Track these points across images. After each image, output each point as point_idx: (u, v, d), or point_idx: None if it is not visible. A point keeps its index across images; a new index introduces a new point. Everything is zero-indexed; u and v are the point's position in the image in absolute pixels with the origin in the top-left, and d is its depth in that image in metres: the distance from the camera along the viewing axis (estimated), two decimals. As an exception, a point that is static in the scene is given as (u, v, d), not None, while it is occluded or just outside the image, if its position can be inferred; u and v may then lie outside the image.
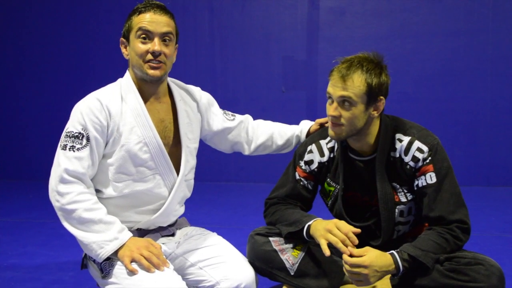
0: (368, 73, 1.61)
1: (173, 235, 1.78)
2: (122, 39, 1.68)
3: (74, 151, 1.55)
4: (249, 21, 4.82)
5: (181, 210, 1.84)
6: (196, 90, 1.87)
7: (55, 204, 1.56)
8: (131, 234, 1.58)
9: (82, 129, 1.57)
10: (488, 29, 4.36)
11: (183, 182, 1.75)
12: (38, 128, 5.25)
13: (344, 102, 1.61)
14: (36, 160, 5.26)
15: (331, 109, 1.64)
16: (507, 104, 4.37)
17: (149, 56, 1.61)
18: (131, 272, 1.50)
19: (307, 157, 1.84)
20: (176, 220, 1.84)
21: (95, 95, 1.63)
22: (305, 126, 2.07)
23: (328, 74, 1.69)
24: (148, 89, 1.68)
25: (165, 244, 1.72)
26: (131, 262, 1.52)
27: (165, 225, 1.76)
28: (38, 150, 5.27)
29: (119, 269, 1.54)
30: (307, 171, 1.84)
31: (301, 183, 1.85)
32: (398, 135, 1.71)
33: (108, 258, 1.56)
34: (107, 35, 4.85)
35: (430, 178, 1.66)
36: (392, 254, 1.57)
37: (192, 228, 1.86)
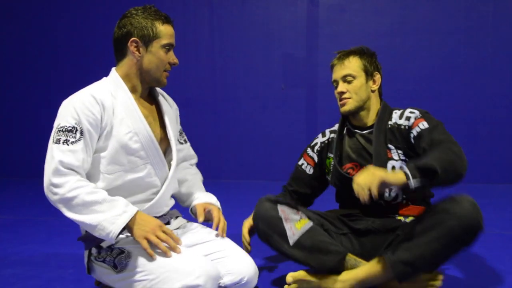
0: (360, 55, 1.99)
1: (168, 223, 1.80)
2: (137, 40, 1.67)
3: (68, 144, 1.55)
4: (249, 18, 4.81)
5: (172, 202, 1.87)
6: (169, 97, 1.92)
7: (53, 198, 1.53)
8: (137, 208, 1.59)
9: (76, 123, 1.57)
10: (488, 26, 4.35)
11: (176, 173, 1.79)
12: (37, 125, 5.25)
13: (346, 78, 1.96)
14: (35, 158, 5.23)
15: (338, 88, 1.98)
16: (507, 101, 4.36)
17: (168, 66, 1.72)
18: (151, 257, 1.53)
19: (313, 143, 2.13)
20: (168, 211, 1.85)
21: (87, 91, 1.64)
22: (204, 197, 1.92)
23: (330, 70, 2.04)
24: (140, 89, 1.73)
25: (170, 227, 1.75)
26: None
27: (158, 215, 1.77)
28: (37, 148, 5.25)
29: (139, 257, 1.56)
30: (310, 154, 2.12)
31: (302, 167, 2.13)
32: (394, 110, 1.98)
33: (122, 252, 1.57)
34: (101, 34, 4.83)
35: (423, 125, 1.82)
36: (400, 168, 1.65)
37: (186, 221, 1.89)
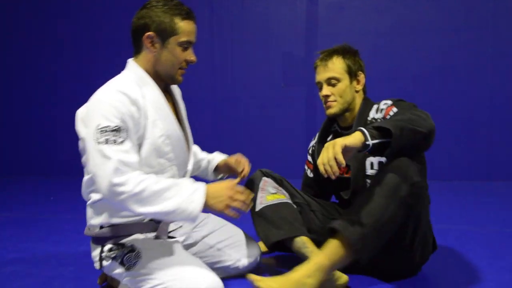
0: (343, 55, 1.98)
1: None
2: (153, 34, 1.59)
3: (118, 144, 1.47)
4: (248, 17, 4.82)
5: None
6: (177, 89, 1.87)
7: (120, 197, 1.45)
8: (203, 182, 1.57)
9: (120, 122, 1.49)
10: (488, 25, 4.35)
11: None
12: (36, 124, 5.25)
13: (330, 80, 1.95)
14: (35, 156, 5.26)
15: (323, 91, 1.97)
16: (506, 99, 4.36)
17: (184, 64, 1.66)
18: (161, 262, 1.54)
19: (309, 147, 2.22)
20: None
21: (117, 88, 1.54)
22: (218, 155, 2.06)
23: (314, 70, 2.02)
24: (158, 83, 1.67)
25: (181, 228, 1.83)
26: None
27: None
28: (37, 146, 5.27)
29: (149, 259, 1.55)
30: (308, 158, 2.21)
31: (306, 172, 2.22)
32: (374, 105, 1.96)
33: (132, 250, 1.57)
34: (104, 34, 4.85)
35: (392, 111, 1.81)
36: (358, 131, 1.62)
37: None
